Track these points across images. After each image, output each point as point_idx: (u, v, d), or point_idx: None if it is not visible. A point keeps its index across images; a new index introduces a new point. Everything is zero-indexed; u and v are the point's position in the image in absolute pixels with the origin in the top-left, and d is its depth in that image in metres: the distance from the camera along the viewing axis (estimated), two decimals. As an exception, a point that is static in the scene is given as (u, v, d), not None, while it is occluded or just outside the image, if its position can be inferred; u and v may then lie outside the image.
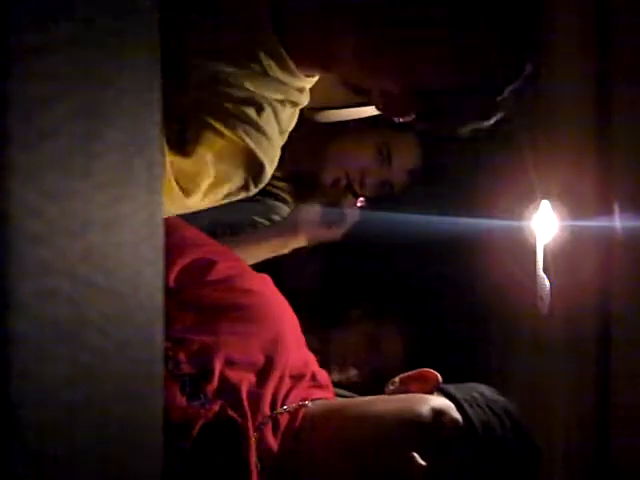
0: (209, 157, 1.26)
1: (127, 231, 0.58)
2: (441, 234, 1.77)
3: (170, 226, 1.19)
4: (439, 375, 1.24)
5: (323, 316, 2.14)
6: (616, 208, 1.32)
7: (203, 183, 1.27)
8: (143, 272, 0.60)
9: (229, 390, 1.15)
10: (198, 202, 1.30)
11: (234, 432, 1.12)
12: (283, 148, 1.37)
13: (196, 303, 1.21)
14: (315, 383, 1.26)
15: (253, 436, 1.12)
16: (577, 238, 1.44)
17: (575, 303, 1.52)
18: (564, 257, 1.48)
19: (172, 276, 1.21)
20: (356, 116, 1.42)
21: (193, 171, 1.25)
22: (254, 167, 1.31)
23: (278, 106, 1.32)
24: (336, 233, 2.02)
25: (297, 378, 1.23)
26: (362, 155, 2.12)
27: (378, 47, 1.20)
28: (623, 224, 1.32)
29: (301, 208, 2.00)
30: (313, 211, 1.99)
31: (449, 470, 1.11)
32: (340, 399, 1.29)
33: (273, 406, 1.18)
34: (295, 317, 1.32)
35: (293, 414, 1.18)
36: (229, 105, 1.27)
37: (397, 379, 1.26)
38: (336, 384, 1.33)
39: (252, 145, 1.28)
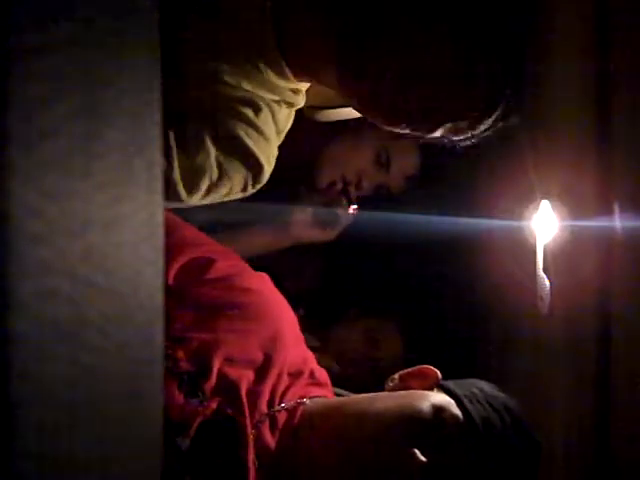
0: (209, 157, 1.26)
1: (127, 231, 0.58)
2: (441, 234, 1.77)
3: (170, 226, 1.19)
4: (438, 372, 1.24)
5: (322, 314, 2.14)
6: (616, 208, 1.32)
7: (203, 183, 1.27)
8: (143, 272, 0.60)
9: (227, 388, 1.15)
10: (197, 201, 1.30)
11: (232, 430, 1.12)
12: (280, 148, 1.37)
13: (195, 301, 1.21)
14: (313, 381, 1.26)
15: (251, 434, 1.13)
16: (577, 238, 1.44)
17: (575, 303, 1.52)
18: (564, 257, 1.48)
19: (171, 274, 1.21)
20: (356, 115, 1.42)
21: (193, 170, 1.25)
22: (253, 167, 1.31)
23: (275, 106, 1.33)
24: (329, 234, 2.02)
25: (295, 376, 1.23)
26: (360, 158, 2.11)
27: (360, 73, 1.22)
28: (623, 224, 1.32)
29: (294, 208, 2.00)
30: (306, 211, 1.99)
31: (449, 466, 1.11)
32: (339, 397, 1.29)
33: (271, 404, 1.18)
34: (294, 315, 1.33)
35: (291, 412, 1.18)
36: (228, 105, 1.28)
37: (396, 376, 1.27)
38: (334, 383, 1.33)
39: (251, 145, 1.29)
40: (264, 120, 1.31)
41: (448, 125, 1.26)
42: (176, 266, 1.23)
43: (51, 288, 0.52)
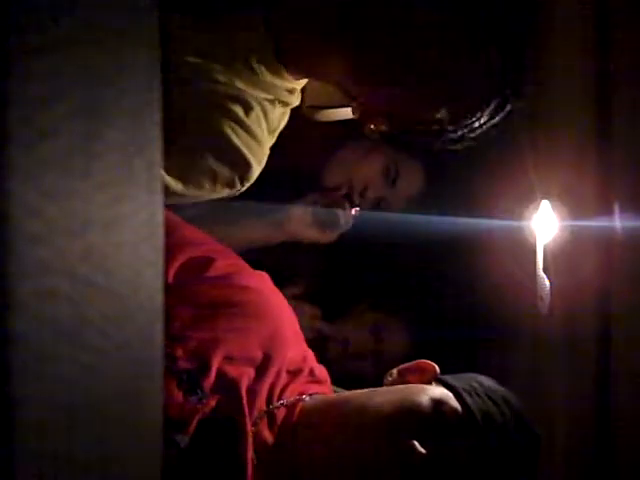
0: (194, 150, 1.27)
1: (127, 231, 0.58)
2: (441, 234, 1.77)
3: (170, 226, 1.20)
4: (437, 366, 1.25)
5: (326, 310, 2.14)
6: (616, 208, 1.32)
7: (188, 174, 1.28)
8: (143, 272, 0.60)
9: (227, 386, 1.15)
10: (181, 191, 1.30)
11: (231, 428, 1.12)
12: (283, 145, 1.37)
13: (194, 299, 1.21)
14: (313, 378, 1.27)
15: (250, 431, 1.13)
16: (577, 238, 1.44)
17: (575, 303, 1.52)
18: (564, 257, 1.48)
19: (171, 273, 1.21)
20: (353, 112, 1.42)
21: (178, 162, 1.25)
22: (240, 165, 1.31)
23: (268, 106, 1.33)
24: (327, 236, 2.01)
25: (294, 373, 1.24)
26: (370, 168, 2.11)
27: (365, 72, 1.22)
28: (623, 224, 1.32)
29: (293, 206, 1.99)
30: (305, 210, 1.99)
31: (449, 459, 1.11)
32: (338, 393, 1.29)
33: (269, 401, 1.18)
34: (293, 313, 1.33)
35: (290, 408, 1.19)
36: (218, 102, 1.28)
37: (395, 371, 1.27)
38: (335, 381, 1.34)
39: (238, 143, 1.29)
40: (254, 119, 1.31)
41: (447, 112, 1.25)
42: (176, 265, 1.23)
43: (51, 288, 0.52)
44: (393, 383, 1.25)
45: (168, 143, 1.23)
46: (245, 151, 1.30)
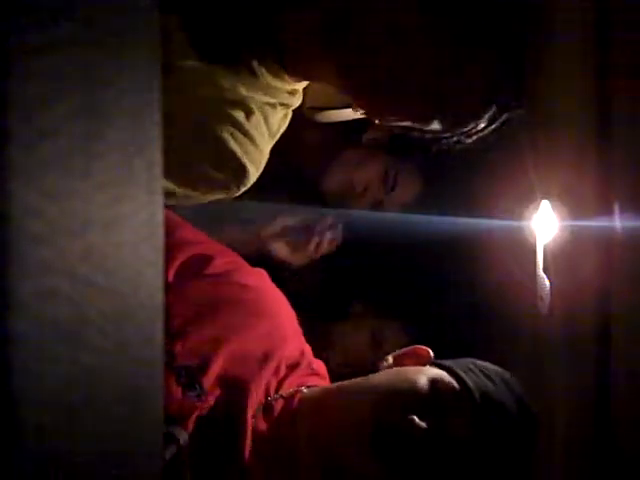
0: (192, 154, 1.27)
1: (127, 231, 0.58)
2: (441, 234, 1.77)
3: (170, 225, 1.20)
4: (431, 351, 1.26)
5: (324, 313, 2.14)
6: (616, 208, 1.32)
7: (184, 177, 1.28)
8: (143, 272, 0.60)
9: (227, 382, 1.16)
10: (175, 193, 1.30)
11: (230, 424, 1.13)
12: (284, 149, 1.38)
13: (194, 297, 1.22)
14: (311, 372, 1.28)
15: (250, 426, 1.14)
16: (577, 238, 1.44)
17: (575, 303, 1.52)
18: (564, 257, 1.48)
19: (171, 273, 1.22)
20: (356, 117, 1.42)
21: (175, 164, 1.25)
22: (236, 170, 1.32)
23: (269, 110, 1.33)
24: (297, 258, 2.00)
25: (293, 367, 1.25)
26: (370, 171, 2.11)
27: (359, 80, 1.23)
28: (623, 224, 1.32)
29: (271, 224, 1.97)
30: (283, 227, 1.96)
31: (448, 434, 1.12)
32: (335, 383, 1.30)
33: (267, 393, 1.19)
34: (292, 310, 1.34)
35: (288, 400, 1.20)
36: (218, 107, 1.28)
37: (390, 357, 1.29)
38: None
39: (236, 148, 1.29)
40: (254, 124, 1.31)
41: (446, 116, 1.26)
42: (176, 265, 1.24)
43: (51, 288, 0.52)
44: (389, 368, 1.27)
45: (167, 146, 1.24)
46: (243, 157, 1.30)
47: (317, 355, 1.35)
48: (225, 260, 1.30)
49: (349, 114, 1.47)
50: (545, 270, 1.46)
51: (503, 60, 1.22)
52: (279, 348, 1.23)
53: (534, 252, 1.48)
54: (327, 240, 2.01)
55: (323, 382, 1.29)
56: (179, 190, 1.28)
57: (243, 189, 1.36)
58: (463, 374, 1.18)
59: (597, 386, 1.50)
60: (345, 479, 1.15)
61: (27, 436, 0.51)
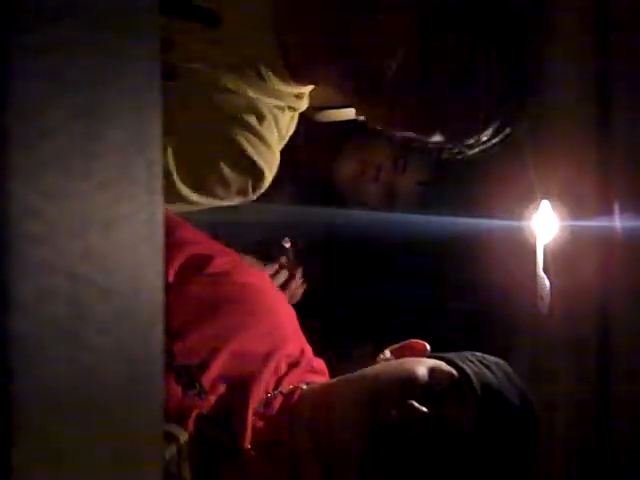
0: (209, 160, 1.27)
1: (127, 231, 0.58)
2: (441, 234, 1.77)
3: (170, 225, 1.20)
4: (427, 344, 1.27)
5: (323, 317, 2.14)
6: (616, 208, 1.32)
7: (203, 184, 1.29)
8: (143, 272, 0.60)
9: (226, 381, 1.16)
10: (196, 199, 1.31)
11: (230, 422, 1.13)
12: (291, 152, 1.39)
13: (194, 296, 1.22)
14: (311, 369, 1.28)
15: (250, 424, 1.14)
16: (577, 238, 1.44)
17: (575, 303, 1.52)
18: (564, 257, 1.48)
19: (171, 272, 1.22)
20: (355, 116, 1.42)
21: (193, 171, 1.26)
22: (254, 174, 1.33)
23: (278, 113, 1.34)
24: None
25: (293, 365, 1.25)
26: (380, 151, 2.11)
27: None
28: (623, 224, 1.32)
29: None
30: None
31: (448, 421, 1.12)
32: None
33: (267, 392, 1.20)
34: (292, 309, 1.35)
35: (287, 396, 1.20)
36: (231, 111, 1.28)
37: (387, 351, 1.29)
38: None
39: (251, 152, 1.30)
40: (267, 128, 1.32)
41: (448, 129, 1.27)
42: (176, 265, 1.24)
43: (51, 288, 0.52)
44: (386, 361, 1.28)
45: (183, 153, 1.25)
46: (259, 160, 1.31)
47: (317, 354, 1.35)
48: (225, 259, 1.31)
49: (350, 113, 1.47)
50: (545, 270, 1.46)
51: (506, 75, 1.23)
52: (279, 347, 1.24)
53: (534, 252, 1.48)
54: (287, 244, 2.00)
55: (323, 380, 1.29)
56: (195, 196, 1.29)
57: (259, 192, 1.37)
58: (461, 363, 1.19)
59: (597, 386, 1.50)
60: (344, 473, 1.15)
61: (27, 436, 0.51)
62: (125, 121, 0.58)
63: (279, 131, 1.34)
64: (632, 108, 1.31)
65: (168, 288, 1.16)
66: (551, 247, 1.47)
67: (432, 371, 1.17)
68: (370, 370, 1.22)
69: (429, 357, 1.25)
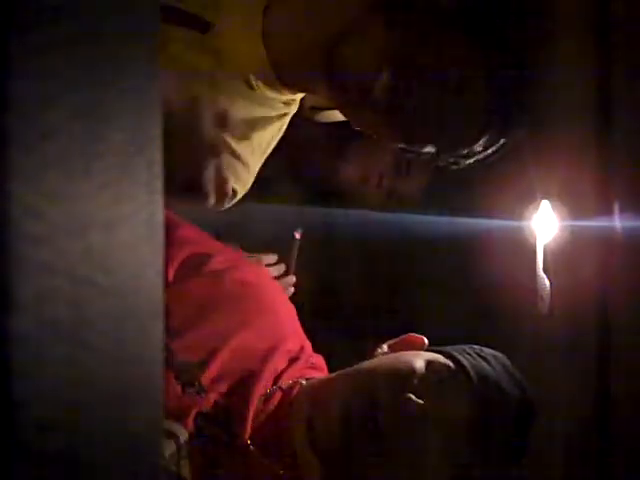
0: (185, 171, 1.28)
1: (127, 231, 0.58)
2: (441, 234, 1.77)
3: (169, 225, 1.21)
4: (425, 339, 1.27)
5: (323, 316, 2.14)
6: (616, 208, 1.32)
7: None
8: (143, 272, 0.60)
9: (227, 379, 1.16)
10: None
11: (231, 422, 1.14)
12: (291, 152, 1.39)
13: (194, 295, 1.23)
14: (311, 365, 1.29)
15: (251, 421, 1.14)
16: (577, 238, 1.44)
17: (575, 303, 1.52)
18: (564, 257, 1.48)
19: (171, 272, 1.22)
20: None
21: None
22: (225, 193, 1.34)
23: (264, 126, 1.34)
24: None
25: (293, 361, 1.26)
26: (381, 158, 2.11)
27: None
28: (623, 224, 1.32)
29: None
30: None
31: (446, 412, 1.13)
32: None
33: (266, 388, 1.20)
34: (292, 306, 1.35)
35: (286, 391, 1.21)
36: (209, 130, 1.29)
37: (385, 345, 1.30)
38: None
39: (228, 175, 1.31)
40: (245, 146, 1.32)
41: (439, 141, 1.27)
42: (176, 264, 1.24)
43: (51, 288, 0.52)
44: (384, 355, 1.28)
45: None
46: (233, 180, 1.32)
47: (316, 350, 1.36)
48: (224, 258, 1.31)
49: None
50: (545, 270, 1.46)
51: (501, 88, 1.23)
52: (280, 344, 1.24)
53: (534, 252, 1.48)
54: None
55: (322, 375, 1.29)
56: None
57: (228, 206, 1.38)
58: (459, 355, 1.19)
59: (597, 386, 1.50)
60: (343, 467, 1.15)
61: (27, 436, 0.51)
62: (125, 121, 0.58)
63: (260, 146, 1.35)
64: (632, 108, 1.31)
65: (168, 287, 1.17)
66: (551, 247, 1.47)
67: (429, 364, 1.18)
68: (368, 364, 1.22)
69: (427, 351, 1.25)
